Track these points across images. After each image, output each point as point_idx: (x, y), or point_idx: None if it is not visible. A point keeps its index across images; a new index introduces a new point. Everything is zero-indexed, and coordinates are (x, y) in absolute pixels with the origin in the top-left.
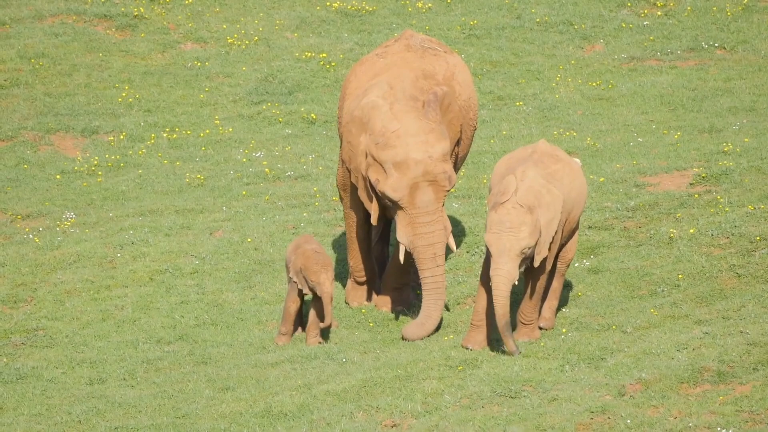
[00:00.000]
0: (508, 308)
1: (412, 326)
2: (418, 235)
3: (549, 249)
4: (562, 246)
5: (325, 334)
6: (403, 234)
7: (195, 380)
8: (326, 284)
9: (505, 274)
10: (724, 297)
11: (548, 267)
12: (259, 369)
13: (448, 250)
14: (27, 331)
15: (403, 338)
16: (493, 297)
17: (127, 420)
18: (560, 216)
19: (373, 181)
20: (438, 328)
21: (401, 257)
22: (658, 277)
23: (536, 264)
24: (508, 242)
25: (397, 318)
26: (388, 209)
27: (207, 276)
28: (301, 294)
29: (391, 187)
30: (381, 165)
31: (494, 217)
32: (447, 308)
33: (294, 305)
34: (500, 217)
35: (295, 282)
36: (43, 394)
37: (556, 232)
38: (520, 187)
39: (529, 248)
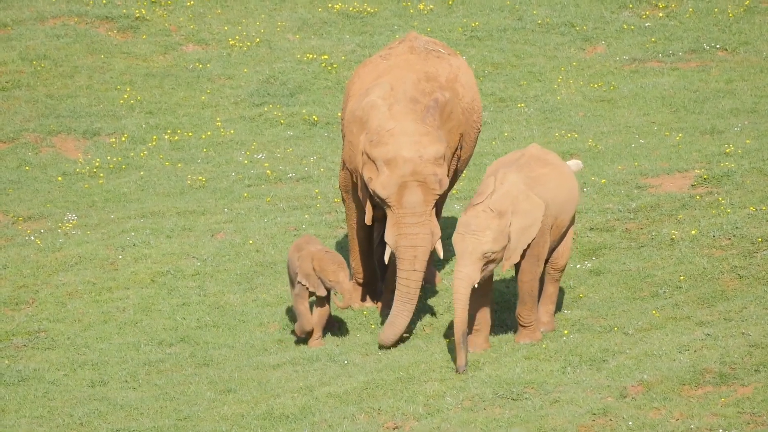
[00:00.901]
0: (465, 315)
1: (385, 331)
2: (402, 235)
3: (532, 255)
4: (552, 251)
5: (341, 330)
6: (389, 234)
7: (196, 382)
8: (345, 282)
9: (464, 277)
10: (726, 298)
11: (538, 270)
12: (261, 371)
13: (437, 257)
14: (29, 333)
15: (379, 345)
16: (453, 300)
17: (128, 422)
18: (540, 223)
19: (366, 179)
20: (402, 336)
21: (386, 258)
22: (660, 278)
23: (504, 269)
24: (470, 245)
25: None
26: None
27: (208, 278)
28: (309, 294)
29: (381, 184)
30: (374, 163)
31: (462, 219)
32: (434, 314)
33: (307, 305)
34: (467, 219)
35: (304, 285)
36: (44, 396)
37: (539, 238)
38: (497, 191)
39: (492, 253)
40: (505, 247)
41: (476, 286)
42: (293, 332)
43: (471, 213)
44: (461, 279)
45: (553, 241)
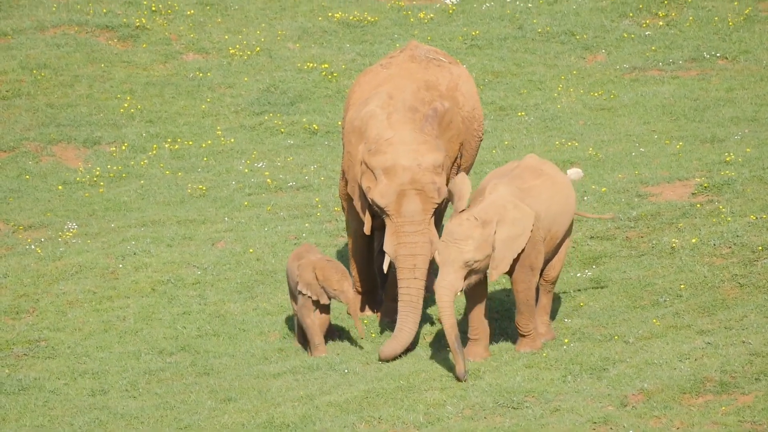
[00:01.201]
0: (454, 321)
1: (386, 344)
2: (401, 244)
3: (524, 265)
4: (546, 262)
5: (344, 338)
6: (388, 243)
7: (197, 391)
8: (350, 291)
9: (447, 285)
10: (726, 307)
11: (532, 279)
12: (262, 380)
13: (435, 267)
14: (29, 342)
15: (379, 359)
16: (438, 309)
17: (129, 431)
18: (530, 233)
19: (365, 188)
20: (415, 345)
21: (385, 267)
22: (661, 287)
23: (492, 279)
24: (453, 254)
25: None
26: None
27: (209, 287)
28: (322, 305)
29: (379, 192)
30: (372, 172)
31: (447, 227)
32: (434, 323)
33: (315, 317)
34: (451, 228)
35: (306, 294)
36: (45, 406)
37: (530, 249)
38: (485, 200)
39: (475, 262)
40: (489, 256)
41: (460, 293)
42: (303, 342)
43: (455, 221)
44: (444, 287)
45: (547, 252)
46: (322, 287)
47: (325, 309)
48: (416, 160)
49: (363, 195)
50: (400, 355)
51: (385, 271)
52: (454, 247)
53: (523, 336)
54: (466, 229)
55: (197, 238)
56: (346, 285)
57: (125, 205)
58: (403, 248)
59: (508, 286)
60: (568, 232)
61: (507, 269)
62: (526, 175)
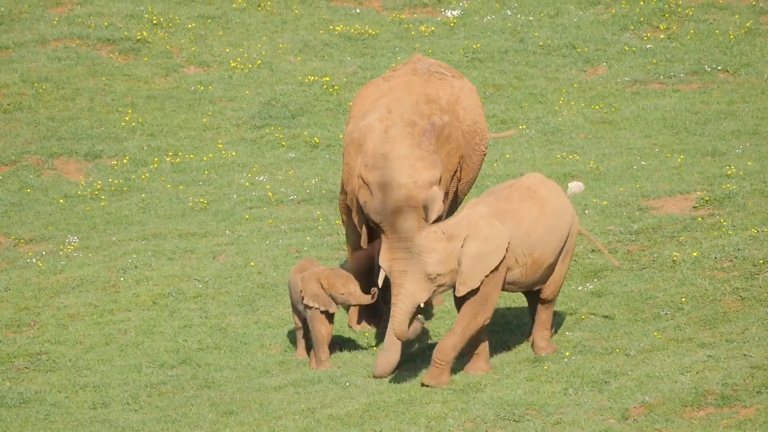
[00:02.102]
0: (404, 329)
1: (379, 360)
2: (395, 260)
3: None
4: (539, 283)
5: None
6: (383, 258)
7: (198, 404)
8: (357, 291)
9: (408, 295)
10: (728, 320)
11: (482, 315)
12: (263, 393)
13: None
14: (30, 355)
15: (374, 376)
16: (392, 313)
17: None
18: (504, 250)
19: (361, 203)
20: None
21: (380, 282)
22: (662, 300)
23: (458, 294)
24: (416, 265)
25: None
26: None
27: (210, 300)
28: (327, 315)
29: (374, 209)
30: (368, 187)
31: (415, 239)
32: (436, 336)
33: (324, 328)
34: (418, 239)
35: (315, 307)
36: (46, 419)
37: (507, 268)
38: (458, 215)
39: (437, 275)
40: (454, 271)
41: (422, 306)
42: (310, 353)
43: (422, 234)
44: (405, 296)
45: (534, 276)
46: (330, 295)
47: (329, 320)
48: (412, 177)
49: (359, 209)
50: (396, 369)
51: (379, 286)
52: (418, 259)
53: (435, 365)
54: (430, 242)
55: (198, 251)
56: (352, 287)
57: (126, 219)
58: (398, 264)
59: (509, 300)
60: (564, 255)
61: (476, 286)
62: (515, 196)
